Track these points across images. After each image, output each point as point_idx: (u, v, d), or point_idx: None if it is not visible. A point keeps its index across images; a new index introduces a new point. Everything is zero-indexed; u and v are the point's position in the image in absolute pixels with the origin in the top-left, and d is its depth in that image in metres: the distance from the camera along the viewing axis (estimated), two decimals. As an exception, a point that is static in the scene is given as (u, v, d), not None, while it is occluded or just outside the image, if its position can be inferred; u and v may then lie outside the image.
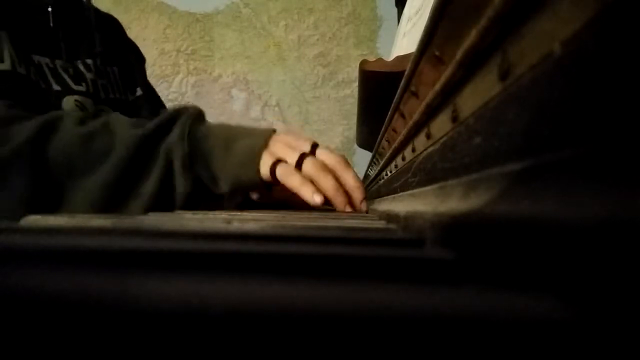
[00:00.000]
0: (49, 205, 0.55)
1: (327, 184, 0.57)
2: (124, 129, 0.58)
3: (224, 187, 0.59)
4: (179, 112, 0.61)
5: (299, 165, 0.57)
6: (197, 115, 0.61)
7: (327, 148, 0.61)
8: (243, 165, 0.58)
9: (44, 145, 0.55)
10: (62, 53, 0.73)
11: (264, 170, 0.57)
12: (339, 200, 0.58)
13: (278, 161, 0.57)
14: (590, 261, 0.08)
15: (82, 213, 0.54)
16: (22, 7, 0.71)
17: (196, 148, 0.58)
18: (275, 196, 0.65)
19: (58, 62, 0.73)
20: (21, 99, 0.62)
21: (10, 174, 0.53)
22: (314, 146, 0.60)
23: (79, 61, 0.76)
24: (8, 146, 0.53)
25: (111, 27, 0.89)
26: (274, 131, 0.61)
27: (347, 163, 0.61)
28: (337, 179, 0.58)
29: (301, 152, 0.58)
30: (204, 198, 0.59)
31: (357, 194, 0.59)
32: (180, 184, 0.57)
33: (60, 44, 0.73)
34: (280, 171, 0.57)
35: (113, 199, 0.56)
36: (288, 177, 0.57)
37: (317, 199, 0.56)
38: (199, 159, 0.58)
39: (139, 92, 0.87)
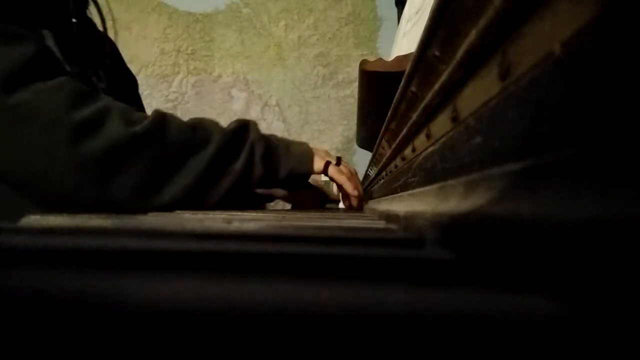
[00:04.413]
0: (168, 174, 0.73)
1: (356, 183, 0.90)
2: (215, 127, 0.79)
3: (282, 174, 0.83)
4: (248, 121, 0.84)
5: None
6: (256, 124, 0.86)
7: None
8: (302, 161, 0.86)
9: (164, 130, 0.73)
10: (82, 61, 0.81)
11: (319, 166, 0.86)
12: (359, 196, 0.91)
13: (328, 162, 0.86)
14: (590, 261, 0.08)
15: (190, 181, 0.74)
16: (54, 14, 0.78)
17: (267, 145, 0.82)
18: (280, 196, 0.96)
19: (75, 69, 0.79)
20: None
21: (144, 149, 0.71)
22: (339, 158, 0.91)
23: (91, 71, 0.84)
24: (139, 127, 0.70)
25: (112, 47, 0.97)
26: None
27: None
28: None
29: (335, 159, 0.89)
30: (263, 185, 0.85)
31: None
32: (259, 169, 0.81)
33: (81, 53, 0.81)
34: (332, 169, 0.87)
35: (212, 172, 0.76)
36: (338, 174, 0.88)
37: (356, 192, 0.89)
38: (270, 153, 0.82)
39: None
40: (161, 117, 0.74)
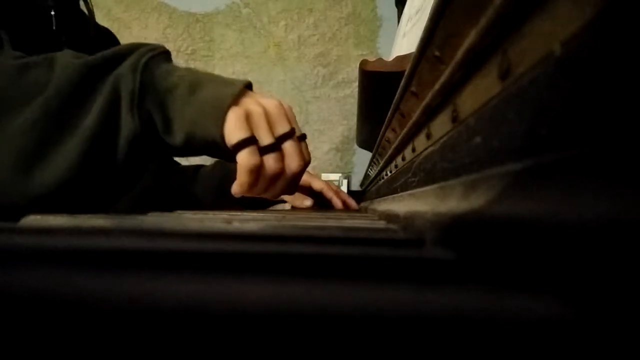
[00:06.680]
0: None
1: (277, 190, 0.53)
2: (66, 60, 0.49)
3: (178, 135, 0.49)
4: (138, 45, 0.51)
5: (265, 150, 0.50)
6: (161, 52, 0.51)
7: (298, 142, 0.53)
8: (205, 114, 0.48)
9: None
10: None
11: (231, 132, 0.48)
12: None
13: (248, 139, 0.48)
14: (591, 261, 0.08)
15: (6, 157, 0.47)
16: (24, 8, 0.72)
17: (151, 83, 0.48)
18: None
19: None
20: None
21: None
22: (290, 133, 0.52)
23: None
24: None
25: (108, 39, 0.92)
26: (250, 84, 0.52)
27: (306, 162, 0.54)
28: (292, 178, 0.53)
29: (277, 136, 0.51)
30: (155, 150, 0.51)
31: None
32: (126, 124, 0.48)
33: (61, 47, 0.77)
34: (243, 157, 0.48)
35: (44, 139, 0.47)
36: (245, 169, 0.49)
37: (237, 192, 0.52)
38: (153, 97, 0.48)
39: None
40: None
